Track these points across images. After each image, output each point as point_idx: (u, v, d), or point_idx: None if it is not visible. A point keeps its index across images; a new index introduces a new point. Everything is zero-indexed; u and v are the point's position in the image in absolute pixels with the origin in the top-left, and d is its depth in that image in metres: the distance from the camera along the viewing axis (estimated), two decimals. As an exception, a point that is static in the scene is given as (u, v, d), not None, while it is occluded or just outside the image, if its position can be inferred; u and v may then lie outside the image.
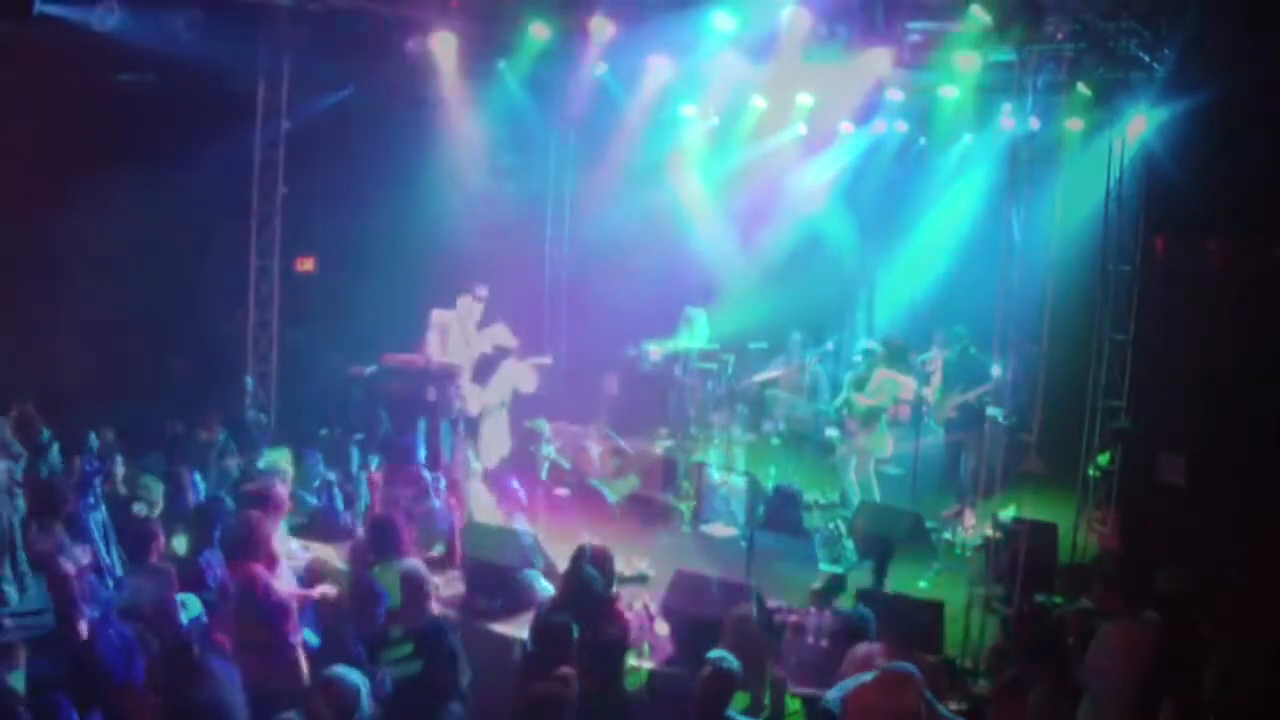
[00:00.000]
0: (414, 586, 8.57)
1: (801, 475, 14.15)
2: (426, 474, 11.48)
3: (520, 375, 13.72)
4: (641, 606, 10.04)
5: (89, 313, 13.25)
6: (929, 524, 12.27)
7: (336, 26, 12.46)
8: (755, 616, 8.55)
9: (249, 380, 13.06)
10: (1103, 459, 12.35)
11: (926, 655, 8.14)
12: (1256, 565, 9.65)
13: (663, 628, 9.86)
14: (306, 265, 14.69)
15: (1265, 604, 8.66)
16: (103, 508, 9.77)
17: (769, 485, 13.37)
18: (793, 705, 8.67)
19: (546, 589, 9.49)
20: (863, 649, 8.01)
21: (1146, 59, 11.64)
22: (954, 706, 8.64)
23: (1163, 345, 12.18)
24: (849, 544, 11.61)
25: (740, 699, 8.41)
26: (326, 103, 13.85)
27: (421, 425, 13.83)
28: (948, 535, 12.79)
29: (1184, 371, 12.23)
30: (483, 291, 13.70)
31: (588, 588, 8.64)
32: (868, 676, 7.00)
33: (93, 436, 11.00)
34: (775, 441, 15.85)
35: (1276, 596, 8.78)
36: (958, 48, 11.73)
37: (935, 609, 9.37)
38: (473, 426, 13.65)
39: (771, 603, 9.30)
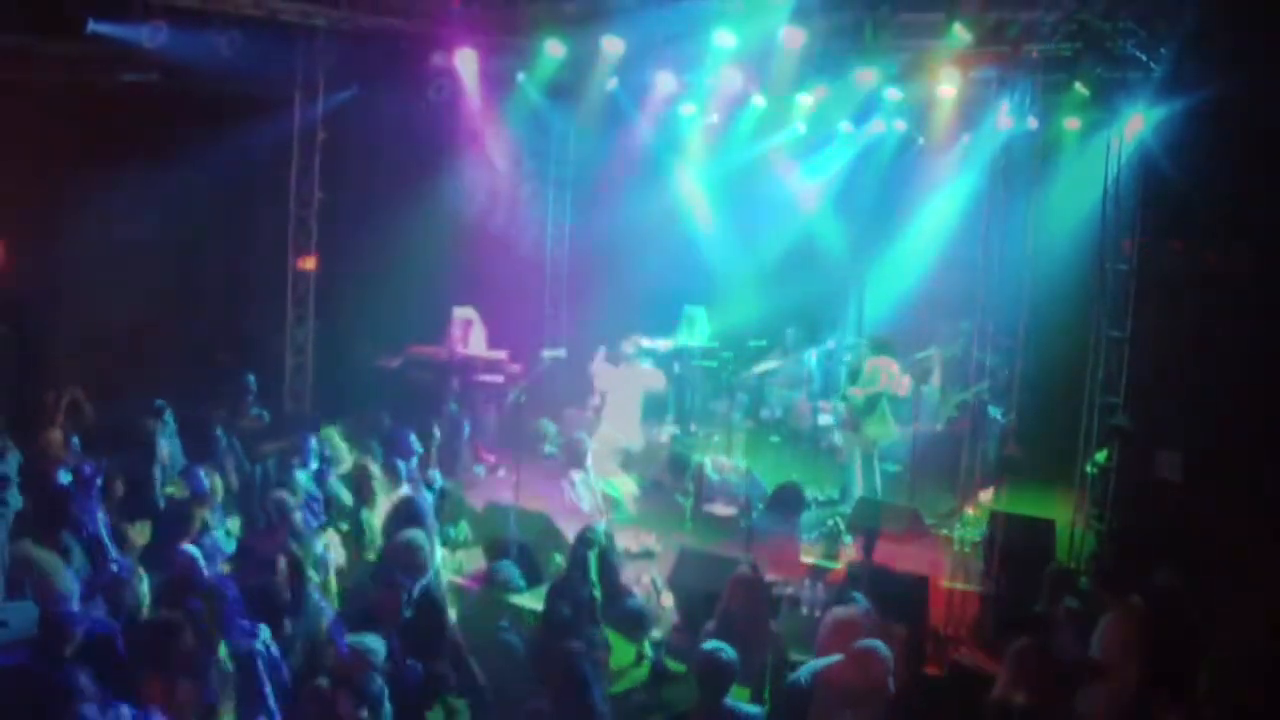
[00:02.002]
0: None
1: (800, 471, 13.63)
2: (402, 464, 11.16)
3: (650, 375, 13.87)
4: (649, 580, 10.09)
5: (141, 306, 13.33)
6: (928, 520, 11.78)
7: (367, 44, 12.49)
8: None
9: (250, 378, 12.71)
10: (1100, 456, 11.63)
11: (901, 628, 8.09)
12: (1254, 563, 9.28)
13: (668, 599, 9.90)
14: (309, 264, 14.68)
15: (1263, 603, 8.34)
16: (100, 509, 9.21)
17: (765, 480, 13.06)
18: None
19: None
20: (840, 612, 7.87)
21: (1144, 59, 10.98)
22: (935, 673, 8.69)
23: (1160, 343, 11.43)
24: (848, 539, 11.20)
25: (739, 694, 8.43)
26: (336, 100, 13.62)
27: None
28: (946, 531, 12.11)
29: (1182, 369, 11.42)
30: None
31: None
32: (838, 656, 6.88)
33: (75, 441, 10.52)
34: (775, 439, 15.28)
35: (1272, 595, 8.48)
36: (942, 64, 11.68)
37: (921, 581, 9.37)
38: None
39: (769, 577, 9.30)
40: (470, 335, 14.20)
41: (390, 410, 13.33)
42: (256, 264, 14.46)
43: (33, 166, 11.76)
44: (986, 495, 12.33)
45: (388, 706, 6.73)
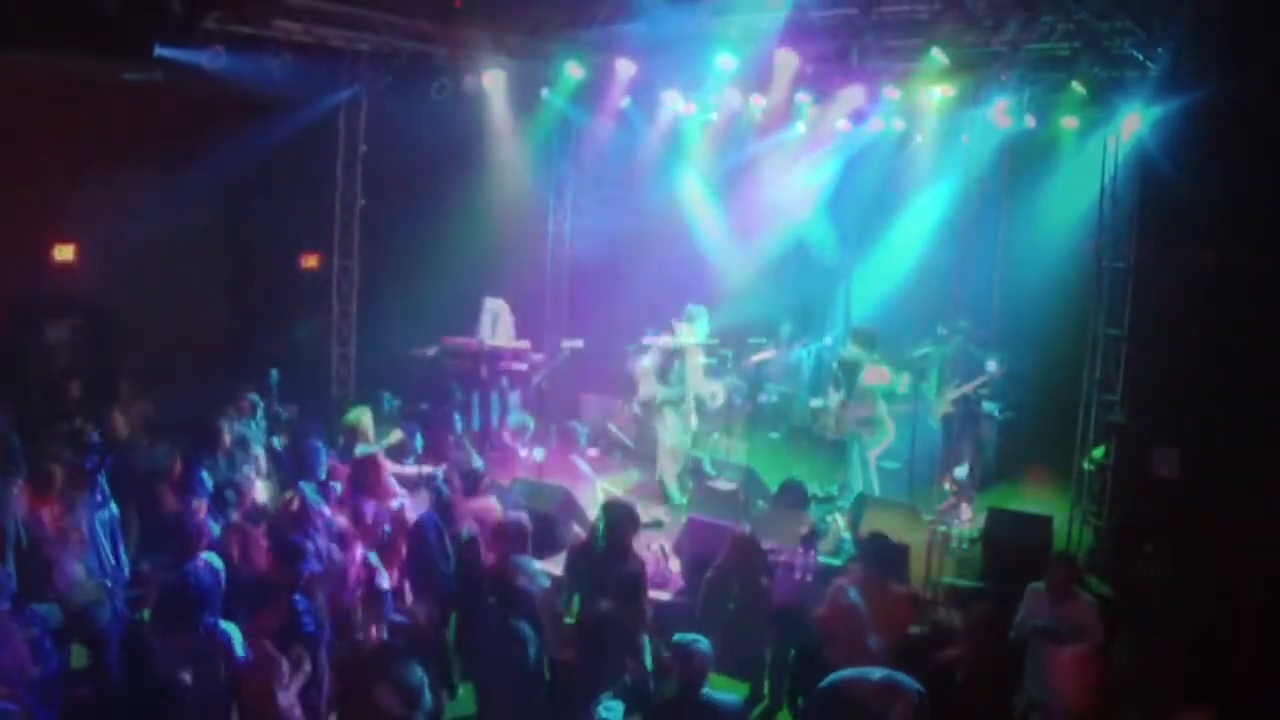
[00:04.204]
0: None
1: (799, 467, 13.08)
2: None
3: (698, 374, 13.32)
4: (658, 547, 10.21)
5: (208, 301, 13.48)
6: (926, 517, 11.17)
7: (405, 65, 12.59)
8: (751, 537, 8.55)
9: (273, 372, 12.54)
10: (1097, 452, 11.11)
11: (900, 586, 8.13)
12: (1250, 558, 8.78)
13: (675, 564, 10.02)
14: (311, 262, 14.77)
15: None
16: (111, 505, 8.89)
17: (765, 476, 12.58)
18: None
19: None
20: (839, 580, 7.89)
21: (1141, 58, 10.49)
22: (916, 630, 8.75)
23: (1158, 340, 10.81)
24: (846, 535, 10.77)
25: (740, 689, 8.40)
26: (341, 97, 13.28)
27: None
28: (943, 528, 11.24)
29: (1179, 366, 10.73)
30: None
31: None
32: (875, 675, 6.20)
33: (94, 434, 9.93)
34: (774, 435, 15.05)
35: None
36: (922, 84, 11.71)
37: (904, 549, 9.40)
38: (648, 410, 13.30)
39: (766, 545, 9.37)
40: (499, 326, 14.30)
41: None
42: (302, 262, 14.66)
43: (91, 171, 11.81)
44: (961, 472, 12.21)
45: None
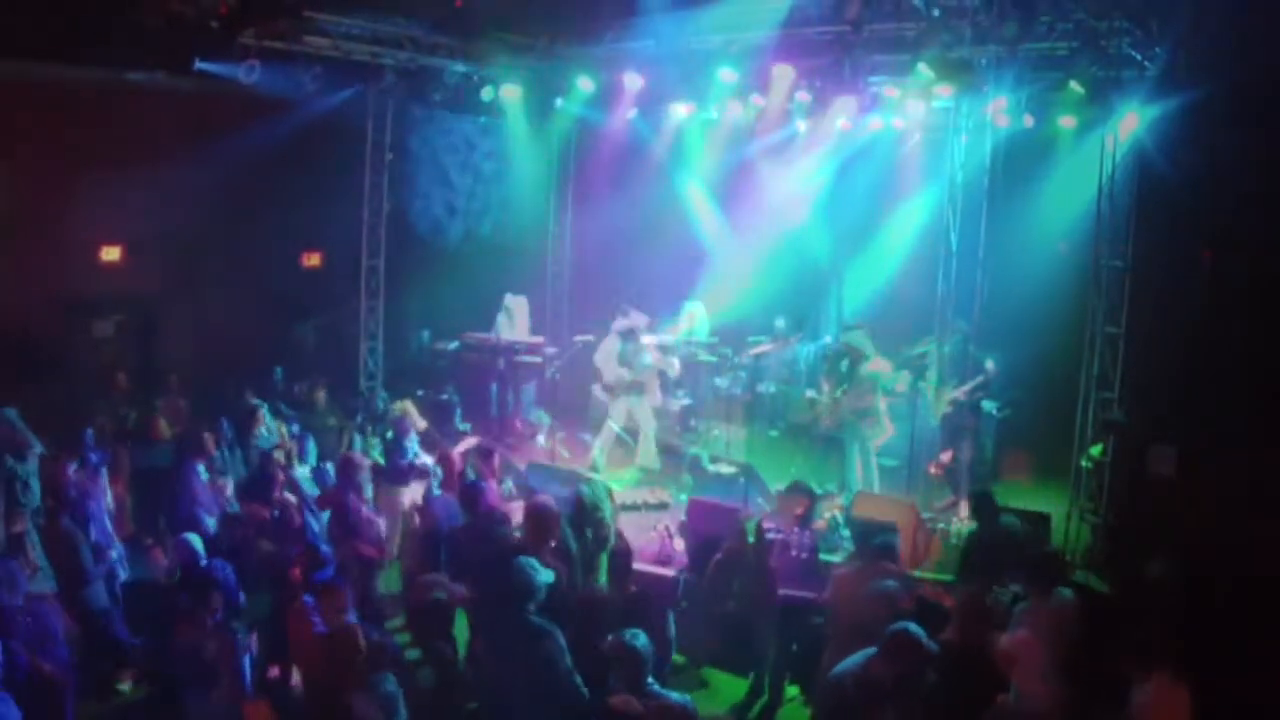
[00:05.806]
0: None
1: (799, 466, 12.61)
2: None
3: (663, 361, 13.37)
4: (663, 527, 10.28)
5: (246, 298, 13.63)
6: (925, 514, 10.82)
7: (429, 79, 12.76)
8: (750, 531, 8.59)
9: (278, 370, 12.74)
10: (1095, 450, 10.65)
11: (890, 565, 8.13)
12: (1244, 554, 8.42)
13: (680, 543, 10.09)
14: (313, 260, 14.91)
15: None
16: (108, 495, 9.02)
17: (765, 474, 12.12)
18: (790, 691, 8.25)
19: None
20: (842, 569, 7.99)
21: (1138, 58, 10.12)
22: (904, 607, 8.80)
23: (1155, 339, 10.34)
24: (845, 533, 10.40)
25: (740, 686, 8.32)
26: (340, 98, 12.96)
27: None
28: (943, 525, 11.13)
29: (1176, 364, 10.30)
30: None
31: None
32: (870, 650, 5.97)
33: (89, 433, 9.65)
34: (773, 433, 14.50)
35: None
36: (909, 95, 11.76)
37: (893, 529, 9.42)
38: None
39: (764, 525, 9.43)
40: (516, 321, 14.41)
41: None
42: (332, 262, 14.76)
43: (135, 173, 11.88)
44: (947, 457, 12.15)
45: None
